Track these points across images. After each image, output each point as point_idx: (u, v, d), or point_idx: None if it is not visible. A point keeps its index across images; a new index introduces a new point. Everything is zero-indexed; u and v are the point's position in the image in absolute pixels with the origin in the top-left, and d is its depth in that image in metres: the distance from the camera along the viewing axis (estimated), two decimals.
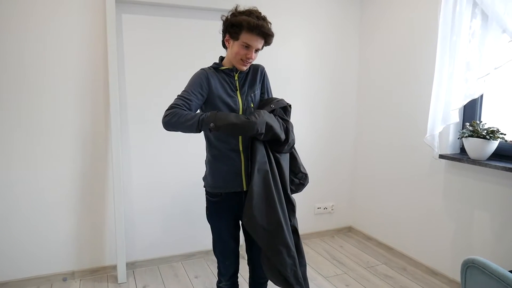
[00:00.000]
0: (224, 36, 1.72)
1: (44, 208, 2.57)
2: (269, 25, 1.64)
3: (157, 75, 2.76)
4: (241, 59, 1.65)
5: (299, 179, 1.83)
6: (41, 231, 2.58)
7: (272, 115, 1.67)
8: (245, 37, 1.61)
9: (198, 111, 1.72)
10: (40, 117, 2.50)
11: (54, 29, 2.46)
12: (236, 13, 1.65)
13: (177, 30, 2.78)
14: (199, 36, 2.84)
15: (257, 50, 1.67)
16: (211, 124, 1.52)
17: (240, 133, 1.59)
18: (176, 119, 1.53)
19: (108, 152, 2.69)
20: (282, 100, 1.76)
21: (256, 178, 1.61)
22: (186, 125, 1.54)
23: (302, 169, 1.83)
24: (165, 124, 1.56)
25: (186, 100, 1.60)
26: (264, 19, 1.64)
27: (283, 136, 1.67)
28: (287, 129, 1.70)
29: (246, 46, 1.63)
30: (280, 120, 1.70)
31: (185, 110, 1.58)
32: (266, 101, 1.77)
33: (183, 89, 1.66)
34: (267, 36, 1.63)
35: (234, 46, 1.65)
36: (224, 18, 1.69)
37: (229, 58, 1.70)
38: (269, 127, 1.59)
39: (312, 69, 3.28)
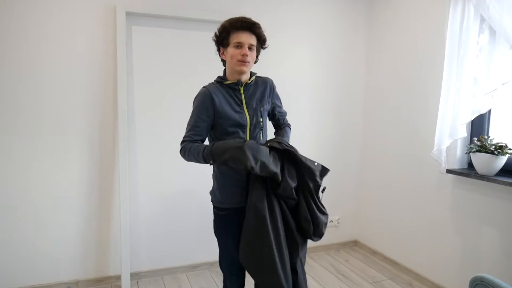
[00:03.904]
0: (219, 52, 1.74)
1: (49, 216, 2.59)
2: (260, 29, 1.67)
3: (165, 86, 2.79)
4: (238, 60, 1.64)
5: (302, 226, 1.71)
6: (46, 239, 2.59)
7: (268, 153, 1.58)
8: (233, 37, 1.63)
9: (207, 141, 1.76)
10: (49, 127, 2.53)
11: (66, 40, 2.51)
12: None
13: (184, 41, 2.81)
14: (205, 46, 2.86)
15: (251, 48, 1.66)
16: (211, 161, 1.57)
17: (235, 165, 1.52)
18: (187, 155, 1.64)
19: (115, 162, 2.71)
20: (292, 148, 1.68)
21: (251, 220, 1.59)
22: (196, 160, 1.62)
23: (303, 222, 1.70)
24: (183, 158, 1.67)
25: (195, 129, 1.66)
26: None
27: (279, 179, 1.60)
28: (283, 174, 1.61)
29: (237, 46, 1.64)
30: (280, 163, 1.62)
31: (196, 141, 1.64)
32: (271, 140, 1.71)
33: (190, 115, 1.69)
34: (253, 27, 1.64)
35: (229, 51, 1.66)
36: (214, 37, 1.72)
37: (230, 68, 1.70)
38: (262, 164, 1.52)
39: (319, 80, 3.29)
